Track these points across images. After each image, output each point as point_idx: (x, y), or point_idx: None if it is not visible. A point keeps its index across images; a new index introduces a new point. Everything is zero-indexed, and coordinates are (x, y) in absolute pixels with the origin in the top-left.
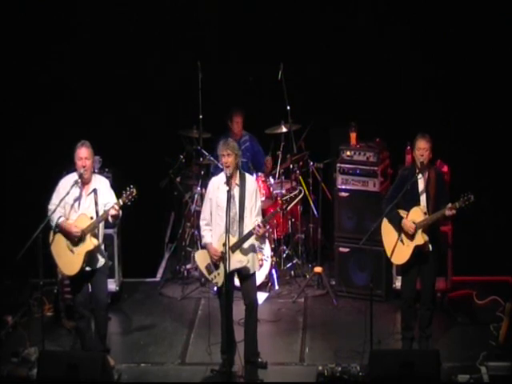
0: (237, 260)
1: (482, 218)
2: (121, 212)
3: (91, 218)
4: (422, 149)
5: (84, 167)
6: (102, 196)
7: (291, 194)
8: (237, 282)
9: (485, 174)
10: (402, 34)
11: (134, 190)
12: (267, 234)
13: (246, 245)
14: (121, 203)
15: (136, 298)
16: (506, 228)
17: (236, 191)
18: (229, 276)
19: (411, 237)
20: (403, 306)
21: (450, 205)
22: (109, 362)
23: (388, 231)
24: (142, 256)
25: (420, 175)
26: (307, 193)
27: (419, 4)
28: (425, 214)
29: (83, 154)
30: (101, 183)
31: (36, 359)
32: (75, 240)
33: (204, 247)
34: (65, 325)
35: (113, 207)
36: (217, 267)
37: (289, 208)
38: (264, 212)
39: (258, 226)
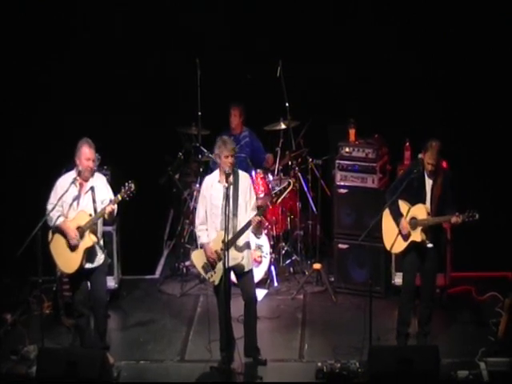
0: (232, 257)
1: (480, 214)
2: (116, 208)
3: (90, 215)
4: (429, 164)
5: (90, 168)
6: (99, 193)
7: (281, 187)
8: (234, 278)
9: (484, 173)
10: (402, 34)
11: (133, 186)
12: (265, 226)
13: (240, 242)
14: (119, 198)
15: (135, 295)
16: (504, 224)
17: (230, 190)
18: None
19: (409, 232)
20: (403, 300)
21: (457, 213)
22: (108, 360)
23: (389, 220)
24: (141, 253)
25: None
26: (306, 190)
27: (419, 4)
28: (428, 214)
29: (91, 155)
30: (98, 180)
31: (35, 357)
32: (71, 246)
33: (201, 247)
34: (64, 322)
35: (108, 205)
36: (213, 267)
37: (279, 201)
38: None
39: (255, 218)
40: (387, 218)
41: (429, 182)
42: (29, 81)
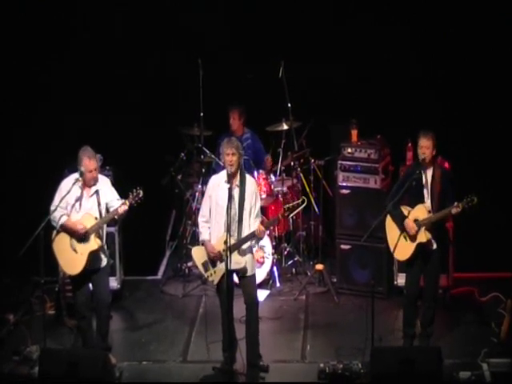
0: (234, 261)
1: (482, 214)
2: (127, 208)
3: (96, 218)
4: (423, 147)
5: (94, 177)
6: (104, 196)
7: (294, 203)
8: (236, 279)
9: (485, 174)
10: (402, 34)
11: (141, 192)
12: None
13: (243, 246)
14: (127, 204)
15: (137, 296)
16: (506, 224)
17: (236, 192)
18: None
19: (414, 235)
20: (406, 302)
21: (456, 203)
22: (110, 360)
23: (392, 227)
24: (143, 254)
25: (425, 172)
26: (308, 190)
27: (419, 4)
28: (429, 212)
29: (93, 166)
30: (102, 183)
31: (37, 357)
32: (80, 237)
33: (202, 243)
34: (66, 323)
35: (124, 203)
36: (213, 265)
37: (290, 216)
38: (265, 209)
39: (260, 229)
40: (391, 226)
41: (428, 181)
42: (29, 81)
